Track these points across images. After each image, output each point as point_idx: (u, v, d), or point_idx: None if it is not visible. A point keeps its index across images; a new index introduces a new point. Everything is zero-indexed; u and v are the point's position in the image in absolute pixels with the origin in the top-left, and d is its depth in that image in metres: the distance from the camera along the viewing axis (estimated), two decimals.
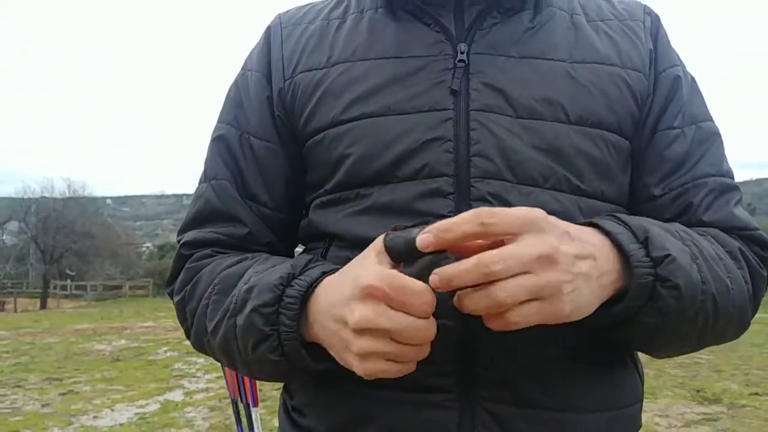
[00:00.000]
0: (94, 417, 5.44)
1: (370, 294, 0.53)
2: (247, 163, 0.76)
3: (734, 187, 0.72)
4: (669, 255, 0.58)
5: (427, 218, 0.63)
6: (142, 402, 5.97)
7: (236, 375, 2.22)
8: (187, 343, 0.78)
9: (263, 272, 0.65)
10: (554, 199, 0.66)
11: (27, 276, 37.62)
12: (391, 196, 0.67)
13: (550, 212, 0.58)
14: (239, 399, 2.26)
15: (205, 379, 7.06)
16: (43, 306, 26.97)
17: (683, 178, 0.71)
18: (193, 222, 0.77)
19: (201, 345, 0.73)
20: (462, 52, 0.69)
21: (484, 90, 0.68)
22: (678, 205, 0.71)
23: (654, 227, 0.61)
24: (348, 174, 0.69)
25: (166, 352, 9.24)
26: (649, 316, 0.59)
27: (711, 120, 0.75)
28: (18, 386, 6.80)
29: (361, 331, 0.54)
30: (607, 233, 0.59)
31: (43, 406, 5.85)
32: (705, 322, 0.61)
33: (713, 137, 0.74)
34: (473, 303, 0.52)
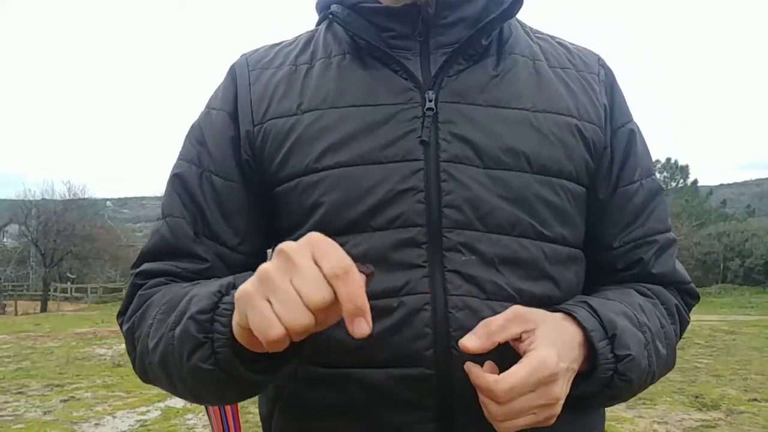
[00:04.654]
0: (96, 424, 5.45)
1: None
2: (207, 202, 0.75)
3: (674, 241, 0.83)
4: (630, 355, 0.66)
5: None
6: (143, 409, 5.98)
7: (221, 419, 2.20)
8: None
9: (208, 284, 0.65)
10: (521, 246, 0.70)
11: (27, 279, 37.54)
12: (366, 245, 0.68)
13: (519, 260, 0.68)
14: None
15: None
16: (44, 309, 26.90)
17: (637, 232, 0.79)
18: (149, 256, 0.76)
19: (143, 369, 0.70)
20: (430, 100, 0.71)
21: (453, 141, 0.70)
22: (631, 257, 0.80)
23: (620, 320, 0.68)
24: (321, 222, 0.70)
25: None
26: (600, 397, 0.69)
27: (655, 173, 0.84)
28: (20, 393, 6.81)
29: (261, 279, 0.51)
30: (583, 328, 0.66)
31: (44, 413, 5.86)
32: (641, 389, 0.73)
33: (660, 191, 0.82)
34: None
